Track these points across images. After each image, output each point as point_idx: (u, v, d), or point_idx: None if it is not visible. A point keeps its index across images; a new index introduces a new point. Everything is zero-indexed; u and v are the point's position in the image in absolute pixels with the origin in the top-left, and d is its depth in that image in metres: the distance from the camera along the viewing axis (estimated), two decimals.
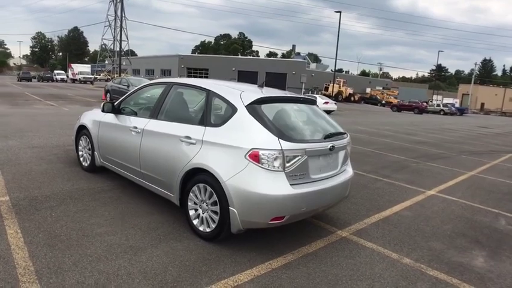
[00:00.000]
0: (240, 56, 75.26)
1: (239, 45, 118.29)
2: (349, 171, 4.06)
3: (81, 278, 2.77)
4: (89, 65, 62.87)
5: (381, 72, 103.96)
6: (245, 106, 3.39)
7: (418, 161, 9.05)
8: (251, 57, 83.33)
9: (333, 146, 3.56)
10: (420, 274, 3.27)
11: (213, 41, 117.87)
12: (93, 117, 5.17)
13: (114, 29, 46.68)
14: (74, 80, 52.52)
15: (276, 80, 58.22)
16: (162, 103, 4.21)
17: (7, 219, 3.64)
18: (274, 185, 3.13)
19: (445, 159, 9.66)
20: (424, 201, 5.59)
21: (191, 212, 3.63)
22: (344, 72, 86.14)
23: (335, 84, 48.92)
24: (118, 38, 46.27)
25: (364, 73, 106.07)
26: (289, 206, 3.20)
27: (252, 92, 3.63)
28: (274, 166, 3.14)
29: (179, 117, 3.98)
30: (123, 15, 46.35)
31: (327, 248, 3.63)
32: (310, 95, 29.56)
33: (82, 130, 5.41)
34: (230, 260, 3.22)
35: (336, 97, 47.37)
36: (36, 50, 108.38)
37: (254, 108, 3.39)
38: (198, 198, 3.54)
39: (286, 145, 3.17)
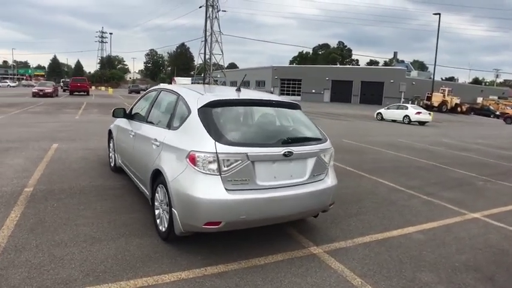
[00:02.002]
0: (334, 65, 73.68)
1: (338, 54, 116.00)
2: (326, 182, 3.67)
3: (31, 257, 3.12)
4: (189, 78, 69.10)
5: (501, 80, 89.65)
6: (197, 109, 3.39)
7: (489, 179, 7.59)
8: (346, 66, 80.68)
9: (289, 152, 3.28)
10: None
11: (311, 51, 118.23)
12: (116, 122, 5.75)
13: (210, 43, 50.57)
14: None
15: (372, 89, 55.45)
16: (151, 108, 4.47)
17: (18, 205, 4.30)
18: (208, 189, 3.04)
19: None
20: (455, 224, 4.68)
21: (156, 211, 3.75)
22: (454, 81, 77.00)
23: (438, 93, 44.14)
24: (213, 52, 50.11)
25: (476, 81, 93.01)
26: (224, 212, 3.06)
27: (213, 95, 3.60)
28: (209, 169, 3.06)
29: (157, 120, 4.18)
30: (219, 30, 50.00)
31: (283, 262, 3.34)
32: (402, 104, 27.30)
33: (111, 134, 6.05)
34: (169, 261, 3.22)
35: (440, 107, 42.68)
36: (149, 65, 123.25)
37: (204, 111, 3.36)
38: (159, 199, 3.65)
39: (222, 148, 3.06)
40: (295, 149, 3.34)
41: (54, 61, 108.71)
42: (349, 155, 9.40)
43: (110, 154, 6.12)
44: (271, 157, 3.23)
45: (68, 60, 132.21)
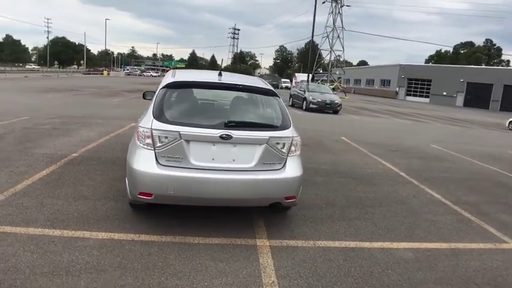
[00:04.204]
0: (470, 66, 63.12)
1: (483, 54, 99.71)
2: (281, 172, 3.42)
3: (25, 201, 3.87)
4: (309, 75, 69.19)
5: None
6: (159, 90, 3.60)
7: None
8: (485, 66, 68.23)
9: (227, 135, 3.20)
10: None
11: (451, 50, 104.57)
12: None
13: (331, 39, 49.73)
14: None
15: None
16: None
17: (55, 165, 5.26)
18: (142, 162, 3.23)
19: None
20: (475, 250, 3.74)
21: None
22: None
23: None
24: (334, 48, 49.18)
25: None
26: (153, 184, 3.20)
27: (180, 77, 3.74)
28: (146, 144, 3.25)
29: None
30: (342, 26, 48.73)
31: (216, 246, 3.29)
32: None
33: None
34: (117, 223, 3.56)
35: None
36: (278, 61, 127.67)
37: (163, 91, 3.56)
38: None
39: (156, 125, 3.22)
40: (236, 133, 3.24)
41: (193, 55, 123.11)
42: (420, 160, 8.25)
43: None
44: (207, 138, 3.22)
45: (204, 54, 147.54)
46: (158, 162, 3.22)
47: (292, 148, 3.51)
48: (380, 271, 3.16)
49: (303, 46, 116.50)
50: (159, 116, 3.30)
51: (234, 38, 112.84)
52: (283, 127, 3.50)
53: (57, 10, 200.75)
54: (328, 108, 19.55)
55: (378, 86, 68.56)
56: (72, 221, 3.54)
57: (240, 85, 3.73)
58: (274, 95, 3.81)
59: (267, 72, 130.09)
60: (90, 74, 62.08)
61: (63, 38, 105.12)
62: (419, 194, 5.60)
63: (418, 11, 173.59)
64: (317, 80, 59.25)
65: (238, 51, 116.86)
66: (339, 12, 49.52)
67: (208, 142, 3.26)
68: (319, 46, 54.06)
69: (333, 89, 49.63)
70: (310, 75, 62.38)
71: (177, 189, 3.20)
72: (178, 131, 3.19)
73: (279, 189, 3.43)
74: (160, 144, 3.22)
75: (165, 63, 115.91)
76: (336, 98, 20.58)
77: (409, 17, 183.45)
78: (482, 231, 4.32)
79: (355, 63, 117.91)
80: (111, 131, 8.17)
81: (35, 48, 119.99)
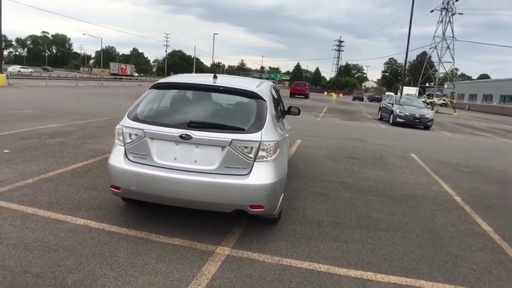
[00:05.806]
0: None
1: None
2: (245, 178, 3.20)
3: (38, 184, 4.44)
4: (416, 88, 63.49)
5: None
6: (147, 90, 3.80)
7: None
8: None
9: (186, 135, 3.17)
10: None
11: None
12: None
13: (441, 50, 44.92)
14: None
15: None
16: None
17: (93, 158, 5.94)
18: (114, 157, 3.43)
19: None
20: None
21: None
22: None
23: None
24: (443, 59, 44.41)
25: None
26: (120, 178, 3.35)
27: (170, 79, 3.88)
28: (119, 140, 3.45)
29: None
30: (452, 36, 43.72)
31: (173, 246, 3.25)
32: None
33: None
34: (101, 212, 3.85)
35: None
36: (387, 74, 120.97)
37: (148, 91, 3.78)
38: None
39: (127, 123, 3.40)
40: (197, 134, 3.18)
41: (297, 67, 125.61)
42: (494, 185, 6.86)
43: None
44: (167, 137, 3.24)
45: (308, 66, 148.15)
46: (127, 158, 3.38)
47: (262, 153, 3.28)
48: None
49: (414, 58, 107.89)
50: (132, 114, 3.49)
51: (338, 50, 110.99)
52: (251, 130, 3.30)
53: (177, 26, 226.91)
54: (418, 123, 17.70)
55: (497, 102, 59.44)
56: (68, 206, 3.93)
57: (221, 87, 3.66)
58: (257, 97, 3.63)
59: (374, 85, 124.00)
60: None
61: (179, 51, 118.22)
62: (463, 223, 4.64)
63: None
64: (425, 95, 53.89)
65: (344, 63, 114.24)
66: (449, 21, 44.40)
67: (171, 141, 3.28)
68: (429, 58, 49.30)
69: (445, 105, 44.48)
70: (413, 88, 57.41)
71: (139, 185, 3.30)
72: (142, 129, 3.30)
73: (242, 196, 3.23)
74: (129, 141, 3.37)
75: (271, 75, 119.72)
76: (427, 112, 18.52)
77: None
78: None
79: (475, 77, 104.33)
80: None
81: (155, 61, 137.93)
